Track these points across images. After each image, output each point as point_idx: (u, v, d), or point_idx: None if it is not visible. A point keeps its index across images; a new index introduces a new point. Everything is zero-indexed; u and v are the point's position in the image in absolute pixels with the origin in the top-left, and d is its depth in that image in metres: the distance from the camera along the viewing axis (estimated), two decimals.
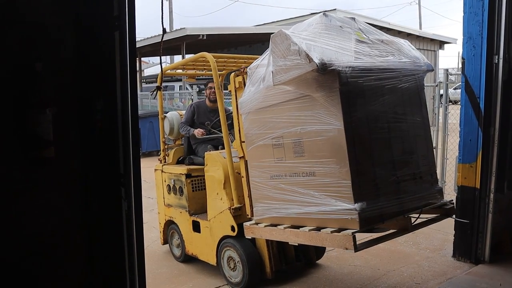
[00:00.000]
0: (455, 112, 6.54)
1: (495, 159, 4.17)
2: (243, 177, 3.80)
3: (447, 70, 6.78)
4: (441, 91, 6.78)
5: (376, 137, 2.98)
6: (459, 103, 4.42)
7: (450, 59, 52.62)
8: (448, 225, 4.76)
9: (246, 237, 3.67)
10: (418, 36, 19.61)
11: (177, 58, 26.24)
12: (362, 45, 3.12)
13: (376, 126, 2.99)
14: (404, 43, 3.51)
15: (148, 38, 16.66)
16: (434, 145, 6.55)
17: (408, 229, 3.11)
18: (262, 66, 3.41)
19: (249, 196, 3.68)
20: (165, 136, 5.24)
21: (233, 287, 4.07)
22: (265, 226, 3.42)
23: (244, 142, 3.70)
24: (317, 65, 2.66)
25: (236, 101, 3.77)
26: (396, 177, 3.03)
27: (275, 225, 3.34)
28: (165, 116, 5.24)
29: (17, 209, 1.69)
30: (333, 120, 2.83)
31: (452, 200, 3.46)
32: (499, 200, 4.31)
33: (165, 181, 4.99)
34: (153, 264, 4.82)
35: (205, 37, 14.80)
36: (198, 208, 4.57)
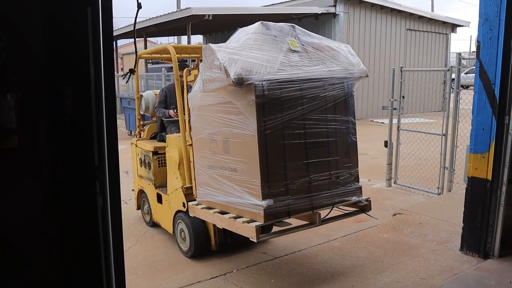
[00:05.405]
0: (466, 98, 6.25)
1: (509, 149, 3.93)
2: (191, 162, 4.17)
3: (459, 54, 6.44)
4: (453, 75, 6.48)
5: (291, 143, 3.26)
6: (470, 88, 4.19)
7: (462, 42, 51.64)
8: (456, 216, 4.57)
9: (190, 214, 4.08)
10: (430, 19, 19.13)
11: (183, 39, 25.87)
12: (292, 54, 3.36)
13: (292, 133, 3.26)
14: (344, 49, 3.70)
15: (153, 18, 16.31)
16: (444, 132, 6.35)
17: (316, 223, 3.39)
18: None
19: (195, 179, 4.01)
20: (140, 113, 5.74)
21: (183, 254, 4.54)
22: (202, 208, 3.81)
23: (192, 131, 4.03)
24: (232, 80, 2.99)
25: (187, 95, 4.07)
26: (309, 178, 3.34)
27: (210, 208, 3.74)
28: (141, 96, 5.71)
29: None
30: (249, 127, 3.16)
31: (368, 198, 3.71)
32: (511, 193, 4.10)
33: (138, 155, 5.47)
34: (149, 251, 4.70)
35: (211, 17, 14.45)
36: (163, 182, 4.96)
